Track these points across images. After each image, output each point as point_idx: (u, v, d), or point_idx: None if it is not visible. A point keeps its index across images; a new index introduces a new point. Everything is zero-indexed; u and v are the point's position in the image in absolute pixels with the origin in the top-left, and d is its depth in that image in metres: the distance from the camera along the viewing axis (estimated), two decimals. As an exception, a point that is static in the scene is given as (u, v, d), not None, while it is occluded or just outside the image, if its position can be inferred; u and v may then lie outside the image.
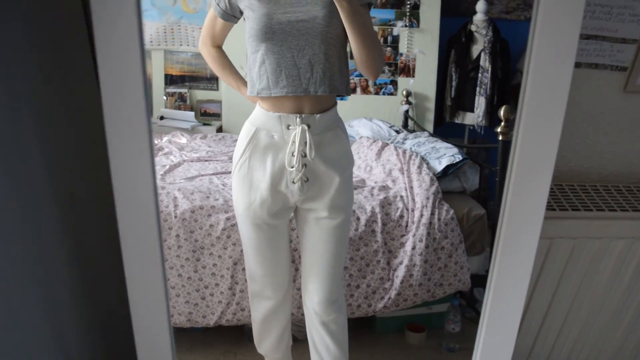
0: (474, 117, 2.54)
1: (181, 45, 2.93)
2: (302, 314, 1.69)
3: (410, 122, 2.66)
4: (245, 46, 1.35)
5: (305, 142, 1.31)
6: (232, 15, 1.36)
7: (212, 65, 1.47)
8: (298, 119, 1.30)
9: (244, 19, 1.35)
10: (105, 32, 0.75)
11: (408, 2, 2.73)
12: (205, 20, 1.42)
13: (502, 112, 1.78)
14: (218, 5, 1.36)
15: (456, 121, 2.64)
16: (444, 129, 2.62)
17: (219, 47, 1.45)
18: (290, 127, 1.32)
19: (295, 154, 1.32)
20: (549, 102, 0.80)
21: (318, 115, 1.32)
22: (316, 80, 1.30)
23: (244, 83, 1.42)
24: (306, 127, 1.30)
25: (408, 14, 2.74)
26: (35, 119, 1.03)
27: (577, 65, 1.51)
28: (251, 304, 1.56)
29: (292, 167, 1.33)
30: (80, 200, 1.20)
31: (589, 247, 1.49)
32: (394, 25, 2.73)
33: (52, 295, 1.08)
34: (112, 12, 0.75)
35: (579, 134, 1.58)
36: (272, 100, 1.32)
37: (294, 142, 1.31)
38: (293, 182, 1.35)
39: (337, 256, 1.45)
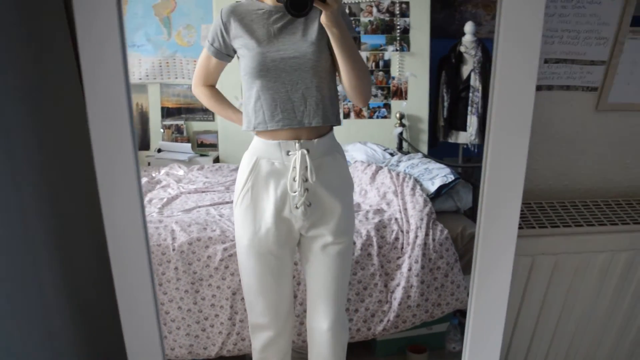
0: (467, 136, 2.56)
1: (176, 78, 2.98)
2: (303, 341, 1.70)
3: (404, 144, 2.69)
4: (241, 81, 1.41)
5: (306, 167, 1.36)
6: (226, 54, 1.42)
7: (208, 103, 1.52)
8: (297, 144, 1.36)
9: (238, 57, 1.41)
10: (92, 66, 0.79)
11: (398, 27, 2.79)
12: (198, 61, 1.46)
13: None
14: (212, 45, 1.42)
15: (450, 141, 2.66)
16: (439, 149, 2.65)
17: (212, 86, 1.49)
18: (290, 153, 1.37)
19: (297, 178, 1.36)
20: (515, 124, 0.83)
21: (316, 140, 1.37)
22: (310, 112, 1.36)
23: (242, 114, 1.47)
24: (305, 152, 1.35)
25: (398, 38, 2.80)
26: (26, 148, 1.05)
27: (550, 87, 1.56)
28: (251, 333, 1.57)
29: (295, 192, 1.36)
30: (71, 224, 1.21)
31: (570, 262, 1.51)
32: (385, 50, 2.78)
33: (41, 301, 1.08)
34: (97, 46, 0.79)
35: (557, 152, 1.62)
36: (271, 132, 1.38)
37: (294, 167, 1.36)
38: (297, 207, 1.38)
39: (343, 280, 1.48)
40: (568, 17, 1.47)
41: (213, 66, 1.45)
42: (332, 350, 1.52)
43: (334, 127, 1.44)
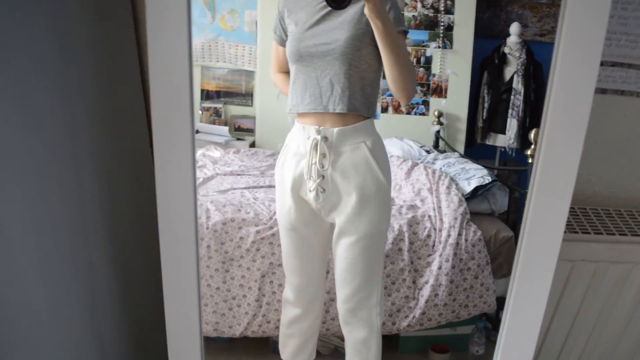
0: (506, 139, 2.53)
1: (217, 61, 3.01)
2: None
3: (441, 143, 2.67)
4: None
5: (323, 154, 1.37)
6: (283, 39, 1.48)
7: (282, 88, 1.57)
8: (315, 130, 1.37)
9: None
10: (157, 50, 0.81)
11: (442, 24, 2.76)
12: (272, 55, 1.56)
13: (532, 135, 1.78)
14: (274, 33, 1.51)
15: (487, 143, 2.63)
16: (475, 150, 2.61)
17: (285, 73, 1.55)
18: (309, 138, 1.39)
19: (310, 163, 1.38)
20: (570, 127, 0.82)
21: (337, 129, 1.37)
22: (335, 98, 1.37)
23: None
24: (322, 139, 1.36)
25: (441, 35, 2.77)
26: (88, 131, 1.09)
27: (603, 91, 1.52)
28: (282, 306, 1.61)
29: (309, 177, 1.40)
30: (123, 209, 1.26)
31: (611, 271, 1.48)
32: (427, 46, 2.76)
33: (93, 297, 1.13)
34: (165, 33, 0.81)
35: (605, 158, 1.58)
36: (301, 115, 1.43)
37: (310, 151, 1.38)
38: (310, 191, 1.41)
39: (351, 271, 1.46)
40: (628, 19, 1.43)
41: (281, 53, 1.51)
42: (347, 334, 1.54)
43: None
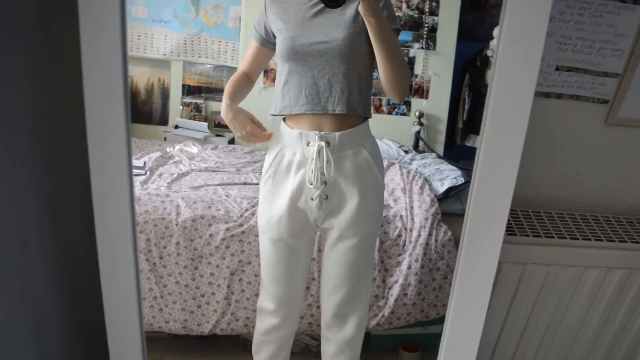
0: (485, 141, 2.54)
1: (200, 57, 3.00)
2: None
3: (420, 143, 2.68)
4: None
5: (325, 160, 1.34)
6: (265, 39, 1.42)
7: (235, 88, 1.44)
8: (317, 136, 1.33)
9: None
10: (90, 39, 0.79)
11: (426, 25, 2.77)
12: (246, 55, 1.47)
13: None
14: (255, 28, 1.43)
15: (467, 144, 2.64)
16: (455, 152, 2.62)
17: (248, 75, 1.47)
18: (310, 144, 1.34)
19: (314, 170, 1.34)
20: (509, 129, 0.82)
21: (338, 133, 1.34)
22: (334, 99, 1.33)
23: (236, 108, 1.40)
24: (325, 144, 1.33)
25: (425, 36, 2.78)
26: (23, 122, 1.06)
27: (559, 96, 1.53)
28: (257, 313, 1.56)
29: (311, 184, 1.35)
30: (63, 202, 1.23)
31: (562, 274, 1.49)
32: (411, 46, 2.77)
33: (33, 296, 1.11)
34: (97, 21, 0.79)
35: (560, 163, 1.58)
36: (294, 118, 1.37)
37: (312, 159, 1.34)
38: (312, 199, 1.37)
39: (348, 273, 1.44)
40: (584, 25, 1.43)
41: (254, 51, 1.45)
42: (332, 336, 1.52)
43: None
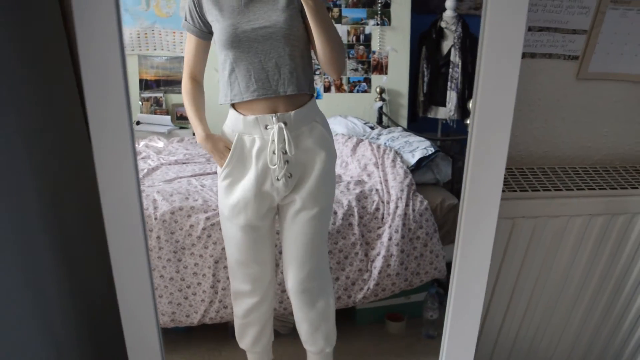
0: (446, 111, 2.59)
1: (155, 49, 2.93)
2: (284, 309, 1.73)
3: (384, 119, 2.71)
4: None
5: (284, 139, 1.36)
6: (201, 30, 1.40)
7: (185, 98, 1.45)
8: (274, 118, 1.36)
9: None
10: (86, 38, 0.79)
11: (379, 1, 2.78)
12: (185, 52, 1.43)
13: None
14: (186, 21, 1.39)
15: (429, 116, 2.69)
16: (418, 124, 2.66)
17: (197, 82, 1.45)
18: (268, 127, 1.38)
19: (276, 151, 1.36)
20: (500, 93, 0.86)
21: (293, 112, 1.37)
22: (284, 80, 1.37)
23: (212, 137, 1.43)
24: (283, 125, 1.35)
25: (379, 12, 2.79)
26: (21, 124, 1.05)
27: (532, 55, 1.59)
28: (233, 300, 1.60)
29: (275, 165, 1.37)
30: (66, 201, 1.23)
31: (549, 225, 1.57)
32: (366, 24, 2.77)
33: (42, 295, 1.10)
34: (92, 17, 0.79)
35: (537, 120, 1.66)
36: (247, 104, 1.39)
37: (273, 140, 1.36)
38: (277, 180, 1.39)
39: (311, 245, 1.50)
40: None
41: (194, 46, 1.42)
42: (304, 315, 1.56)
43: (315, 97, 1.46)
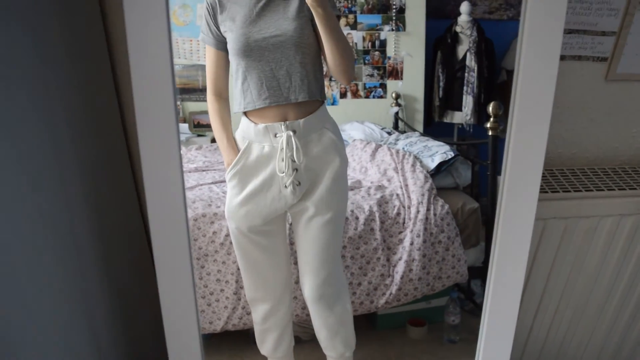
0: (462, 116, 2.59)
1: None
2: (307, 315, 1.74)
3: (400, 124, 2.71)
4: None
5: (293, 147, 1.38)
6: (221, 42, 1.42)
7: (213, 119, 1.47)
8: (283, 126, 1.38)
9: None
10: (138, 50, 0.80)
11: (394, 7, 2.79)
12: (206, 67, 1.45)
13: (490, 108, 1.84)
14: (209, 36, 1.41)
15: (445, 120, 2.69)
16: (434, 129, 2.67)
17: (221, 98, 1.46)
18: (277, 135, 1.40)
19: (285, 159, 1.38)
20: (538, 95, 0.86)
21: (302, 120, 1.39)
22: (295, 88, 1.39)
23: (233, 146, 1.44)
24: (292, 133, 1.37)
25: (394, 18, 2.79)
26: (68, 129, 1.08)
27: (562, 57, 1.61)
28: (250, 306, 1.61)
29: (283, 173, 1.39)
30: (109, 207, 1.25)
31: (580, 225, 1.57)
32: (381, 29, 2.78)
33: (87, 297, 1.12)
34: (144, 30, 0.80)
35: (567, 121, 1.67)
36: (258, 111, 1.41)
37: (282, 148, 1.38)
38: (285, 187, 1.41)
39: (326, 251, 1.50)
40: None
41: (215, 59, 1.44)
42: (323, 321, 1.57)
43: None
